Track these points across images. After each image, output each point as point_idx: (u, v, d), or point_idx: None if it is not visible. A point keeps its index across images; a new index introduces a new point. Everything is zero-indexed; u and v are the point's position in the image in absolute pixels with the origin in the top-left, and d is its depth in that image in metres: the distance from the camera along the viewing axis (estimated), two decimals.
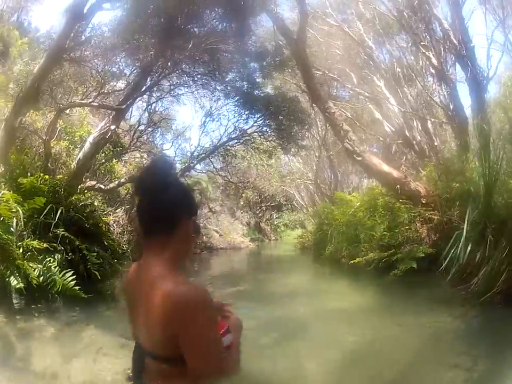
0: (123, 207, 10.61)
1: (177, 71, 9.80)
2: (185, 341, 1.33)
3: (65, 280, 4.41)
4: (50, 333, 3.68)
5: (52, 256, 4.78)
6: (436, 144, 9.64)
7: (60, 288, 4.32)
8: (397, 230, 6.75)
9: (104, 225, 6.97)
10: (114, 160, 10.73)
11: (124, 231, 9.78)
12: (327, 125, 12.43)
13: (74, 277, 4.52)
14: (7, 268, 4.04)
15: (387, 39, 11.05)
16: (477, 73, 7.07)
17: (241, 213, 28.81)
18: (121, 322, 2.86)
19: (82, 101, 8.45)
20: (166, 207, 1.43)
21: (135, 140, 11.72)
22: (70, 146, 9.25)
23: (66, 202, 5.91)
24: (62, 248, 5.10)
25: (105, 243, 6.43)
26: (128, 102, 8.37)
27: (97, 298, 4.82)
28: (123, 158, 12.04)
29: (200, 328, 1.34)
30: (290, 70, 11.73)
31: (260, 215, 31.56)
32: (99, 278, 5.25)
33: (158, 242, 1.43)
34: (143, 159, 13.47)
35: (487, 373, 2.82)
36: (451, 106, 7.83)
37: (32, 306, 4.18)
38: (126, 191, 11.45)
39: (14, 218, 4.47)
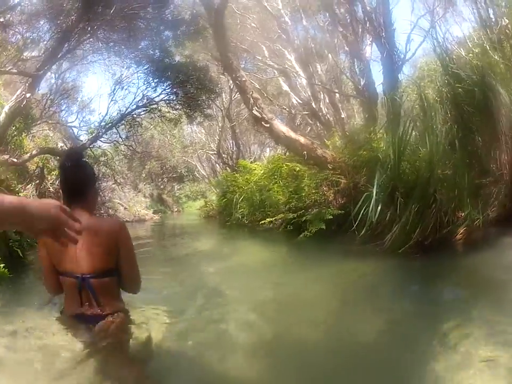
0: (33, 183, 9.58)
1: (94, 37, 8.97)
2: (124, 252, 1.97)
3: None
4: None
5: None
6: (342, 116, 9.77)
7: None
8: (303, 194, 6.68)
9: None
10: (24, 134, 9.55)
11: None
12: (232, 96, 12.10)
13: None
14: None
15: (305, 16, 10.83)
16: (393, 55, 7.13)
17: (144, 185, 27.49)
18: None
19: (1, 69, 7.93)
20: (86, 180, 2.11)
21: (46, 111, 10.53)
22: None
23: None
24: None
25: None
26: (46, 68, 7.64)
27: None
28: (31, 132, 10.81)
29: (130, 243, 2.02)
30: (202, 40, 11.10)
31: (161, 186, 30.42)
32: (21, 255, 4.70)
33: (82, 202, 2.02)
34: (50, 131, 13.22)
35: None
36: (362, 82, 7.88)
37: None
38: (35, 166, 10.22)
39: None
